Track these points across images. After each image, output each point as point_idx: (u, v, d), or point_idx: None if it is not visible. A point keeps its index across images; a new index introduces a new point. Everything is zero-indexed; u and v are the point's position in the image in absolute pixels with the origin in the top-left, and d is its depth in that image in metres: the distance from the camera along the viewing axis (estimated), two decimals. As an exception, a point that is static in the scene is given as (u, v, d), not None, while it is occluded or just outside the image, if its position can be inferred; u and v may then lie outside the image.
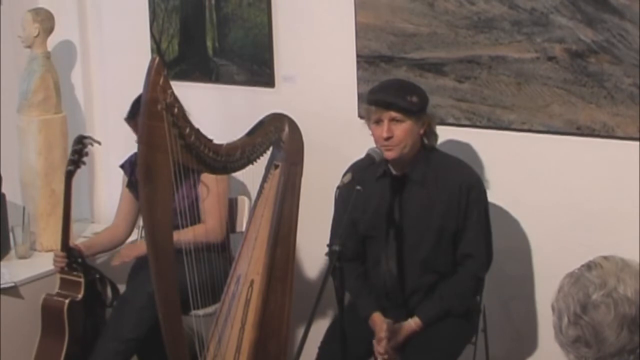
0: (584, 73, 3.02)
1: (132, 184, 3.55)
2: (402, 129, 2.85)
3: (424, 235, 2.93)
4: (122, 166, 3.68)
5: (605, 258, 1.79)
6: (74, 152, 3.49)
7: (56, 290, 3.52)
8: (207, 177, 3.38)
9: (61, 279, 3.52)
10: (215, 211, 3.48)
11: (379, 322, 2.93)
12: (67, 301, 3.46)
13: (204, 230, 3.45)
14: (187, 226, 3.22)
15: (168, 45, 4.05)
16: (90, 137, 3.52)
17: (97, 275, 3.56)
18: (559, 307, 1.77)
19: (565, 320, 1.75)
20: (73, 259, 3.50)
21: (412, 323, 2.93)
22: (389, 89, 2.91)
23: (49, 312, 3.49)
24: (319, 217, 3.19)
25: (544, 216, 3.18)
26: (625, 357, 1.71)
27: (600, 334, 1.70)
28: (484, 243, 2.98)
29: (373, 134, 2.90)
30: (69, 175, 3.49)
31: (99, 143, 3.52)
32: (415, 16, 3.32)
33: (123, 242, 3.70)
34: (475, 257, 2.95)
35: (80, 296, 3.48)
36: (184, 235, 3.34)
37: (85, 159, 3.51)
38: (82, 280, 3.49)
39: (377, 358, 2.90)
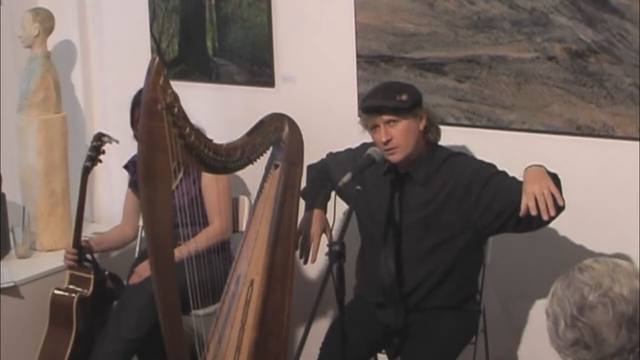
0: (584, 73, 3.01)
1: (134, 184, 3.56)
2: (399, 130, 2.83)
3: (423, 235, 2.93)
4: (125, 167, 3.70)
5: (595, 260, 1.78)
6: (92, 148, 3.51)
7: (65, 285, 3.52)
8: (206, 174, 3.40)
9: (71, 274, 3.53)
10: (222, 208, 3.51)
11: (319, 217, 3.03)
12: (76, 296, 3.46)
13: (219, 230, 3.49)
14: (187, 222, 3.25)
15: (168, 45, 4.05)
16: (108, 136, 3.54)
17: (107, 273, 3.56)
18: (554, 312, 1.76)
19: (562, 323, 1.74)
20: (83, 256, 3.51)
21: None
22: (377, 94, 2.89)
23: (58, 307, 3.49)
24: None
25: (543, 216, 3.18)
26: (625, 356, 1.70)
27: (599, 335, 1.70)
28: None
29: (374, 141, 2.91)
30: (86, 172, 3.51)
31: (117, 142, 3.52)
32: (415, 16, 3.32)
33: (132, 239, 3.74)
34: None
35: (89, 293, 3.49)
36: (200, 242, 3.37)
37: (102, 157, 3.53)
38: (91, 277, 3.50)
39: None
